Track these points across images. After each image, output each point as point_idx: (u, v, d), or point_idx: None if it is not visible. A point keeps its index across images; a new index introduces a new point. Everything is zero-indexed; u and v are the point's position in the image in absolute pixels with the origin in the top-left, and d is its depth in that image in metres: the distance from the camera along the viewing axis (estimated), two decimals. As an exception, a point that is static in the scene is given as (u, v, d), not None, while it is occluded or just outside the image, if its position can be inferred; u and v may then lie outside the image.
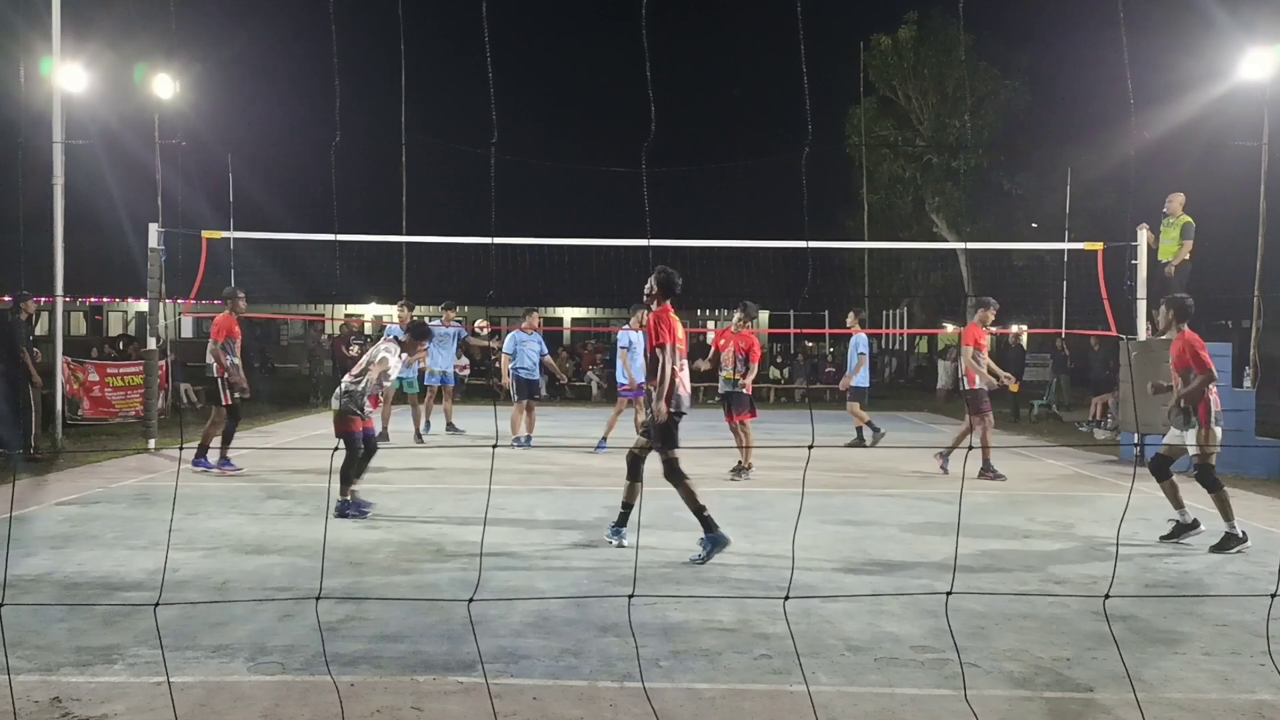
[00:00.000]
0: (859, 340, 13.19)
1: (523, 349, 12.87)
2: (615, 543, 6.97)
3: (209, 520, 7.73)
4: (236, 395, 10.20)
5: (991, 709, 4.03)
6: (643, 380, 11.80)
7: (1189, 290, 12.05)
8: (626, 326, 12.85)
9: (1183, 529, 7.39)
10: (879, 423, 13.75)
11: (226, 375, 10.10)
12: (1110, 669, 4.47)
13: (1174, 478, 7.42)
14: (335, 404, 8.19)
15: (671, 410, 6.78)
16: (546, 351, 13.30)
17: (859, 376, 13.20)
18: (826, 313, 25.09)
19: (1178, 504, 7.41)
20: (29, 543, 6.76)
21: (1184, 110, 20.99)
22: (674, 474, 6.75)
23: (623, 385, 12.71)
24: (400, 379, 13.52)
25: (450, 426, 14.47)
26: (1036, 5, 45.03)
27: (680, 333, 6.88)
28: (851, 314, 13.51)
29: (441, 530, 7.48)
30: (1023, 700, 4.18)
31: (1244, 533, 7.18)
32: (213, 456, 10.32)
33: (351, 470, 8.02)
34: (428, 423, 14.09)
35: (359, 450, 8.06)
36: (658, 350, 6.77)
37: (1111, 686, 4.30)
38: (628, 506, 7.01)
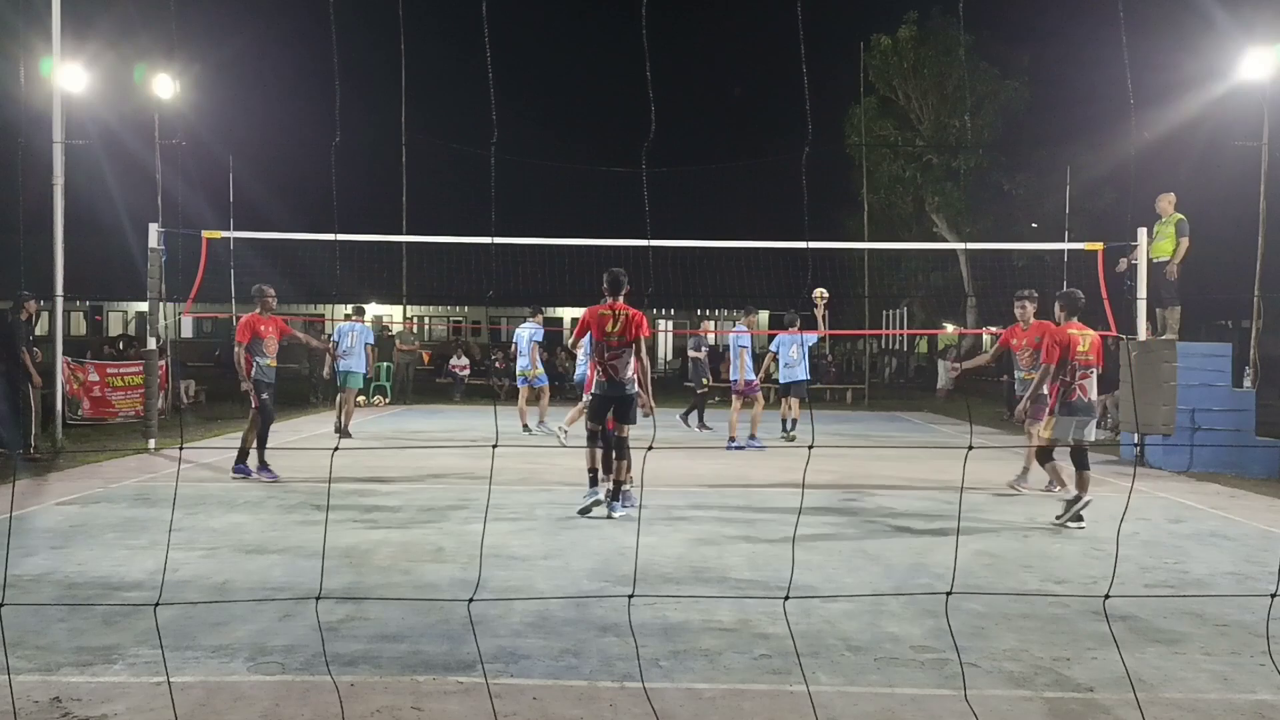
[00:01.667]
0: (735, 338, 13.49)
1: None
2: (590, 501, 7.96)
3: (209, 520, 7.73)
4: (265, 396, 9.79)
5: (991, 709, 4.03)
6: (751, 378, 13.00)
7: (1182, 290, 12.10)
8: (740, 327, 13.43)
9: (1071, 508, 7.89)
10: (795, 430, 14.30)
11: (249, 379, 9.75)
12: (1110, 669, 4.47)
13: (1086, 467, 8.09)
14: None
15: (594, 392, 8.15)
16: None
17: (737, 372, 13.35)
18: (827, 313, 24.99)
19: (1061, 481, 8.35)
20: (29, 543, 6.76)
21: (1184, 110, 20.99)
22: (589, 439, 8.18)
23: (734, 383, 13.19)
24: (345, 373, 13.98)
25: (343, 429, 14.09)
26: (1036, 5, 45.15)
27: (613, 326, 7.93)
28: (742, 313, 13.86)
29: (441, 530, 7.48)
30: (1023, 700, 4.18)
31: (1072, 509, 7.89)
32: (251, 462, 9.92)
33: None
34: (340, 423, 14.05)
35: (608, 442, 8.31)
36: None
37: (1111, 686, 4.30)
38: (592, 470, 8.09)
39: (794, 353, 13.55)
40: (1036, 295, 9.55)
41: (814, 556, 6.72)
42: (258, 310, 10.02)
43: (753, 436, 13.08)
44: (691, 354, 15.95)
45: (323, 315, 30.42)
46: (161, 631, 4.44)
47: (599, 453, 8.11)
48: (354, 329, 14.27)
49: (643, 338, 8.00)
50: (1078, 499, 7.92)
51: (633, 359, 7.99)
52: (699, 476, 10.40)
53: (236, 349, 9.92)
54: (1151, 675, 4.48)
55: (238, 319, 10.43)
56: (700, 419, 15.41)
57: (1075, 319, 8.23)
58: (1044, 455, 8.33)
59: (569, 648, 4.73)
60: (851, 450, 12.99)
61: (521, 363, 14.43)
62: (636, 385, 8.03)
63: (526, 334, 14.28)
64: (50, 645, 4.65)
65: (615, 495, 8.04)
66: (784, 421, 14.51)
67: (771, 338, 15.57)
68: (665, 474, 10.34)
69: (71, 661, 4.44)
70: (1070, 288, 8.72)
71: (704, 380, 15.41)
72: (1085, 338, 8.14)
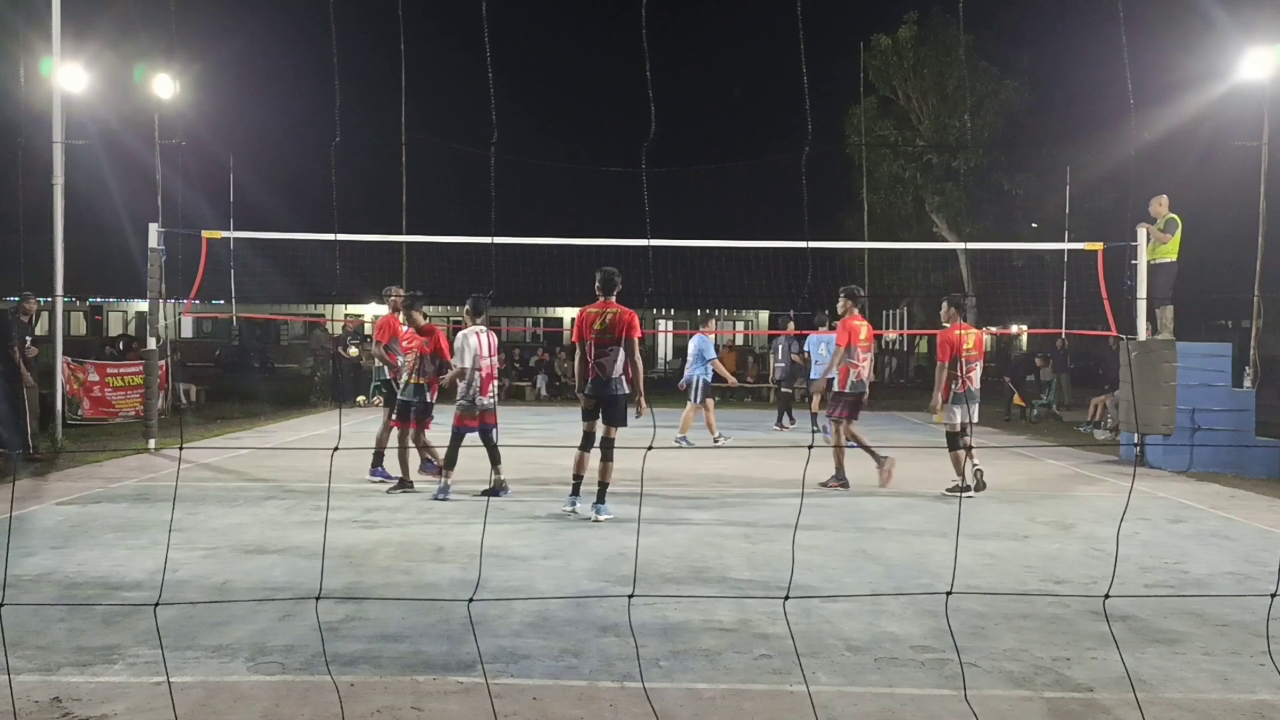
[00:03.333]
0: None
1: (708, 351, 13.44)
2: (569, 510, 8.03)
3: (209, 520, 7.73)
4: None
5: (991, 709, 4.03)
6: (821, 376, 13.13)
7: (1177, 289, 12.12)
8: (825, 329, 13.75)
9: (960, 489, 9.13)
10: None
11: (395, 376, 9.56)
12: (1110, 669, 4.47)
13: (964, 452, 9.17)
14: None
15: (583, 392, 8.09)
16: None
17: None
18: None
19: (960, 472, 9.16)
20: (29, 543, 6.76)
21: (1184, 110, 20.97)
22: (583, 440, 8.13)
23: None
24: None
25: None
26: (1036, 5, 45.10)
27: (600, 324, 7.86)
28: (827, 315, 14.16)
29: (441, 530, 7.48)
30: (1023, 700, 4.18)
31: (971, 485, 9.17)
32: (391, 467, 9.63)
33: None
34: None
35: (453, 442, 8.78)
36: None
37: (1111, 686, 4.30)
38: (577, 478, 8.09)
39: (823, 350, 13.74)
40: (859, 293, 10.23)
41: (814, 556, 6.72)
42: (390, 311, 10.00)
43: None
44: (795, 358, 16.22)
45: (323, 315, 30.41)
46: (161, 631, 4.45)
47: (586, 457, 8.01)
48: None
49: (634, 338, 7.80)
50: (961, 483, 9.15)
51: (622, 358, 7.80)
52: (699, 476, 10.40)
53: (376, 347, 9.99)
54: (1151, 675, 4.48)
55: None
56: (785, 416, 15.71)
57: (961, 319, 9.18)
58: (952, 442, 9.20)
59: (569, 648, 4.73)
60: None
61: None
62: (625, 386, 7.84)
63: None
64: (50, 645, 4.65)
65: (600, 498, 7.87)
66: (814, 418, 14.60)
67: (772, 338, 15.66)
68: (665, 474, 10.35)
69: (71, 661, 4.44)
70: (957, 292, 9.56)
71: (798, 382, 15.70)
72: (970, 336, 9.16)
